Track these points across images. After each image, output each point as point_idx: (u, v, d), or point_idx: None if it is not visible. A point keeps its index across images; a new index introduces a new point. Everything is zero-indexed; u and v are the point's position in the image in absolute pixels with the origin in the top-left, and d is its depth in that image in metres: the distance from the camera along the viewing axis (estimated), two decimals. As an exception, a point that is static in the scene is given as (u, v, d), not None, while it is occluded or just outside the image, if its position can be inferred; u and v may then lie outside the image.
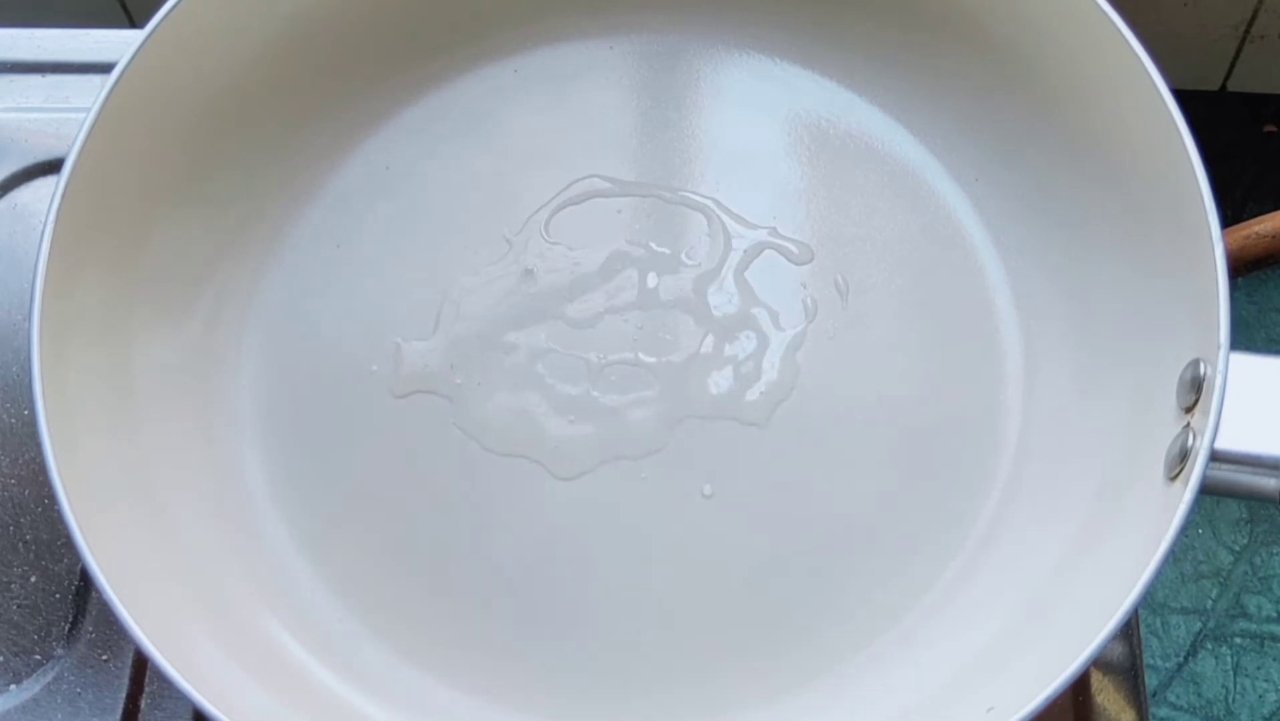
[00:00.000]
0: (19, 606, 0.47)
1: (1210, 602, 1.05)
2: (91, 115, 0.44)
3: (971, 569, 0.45)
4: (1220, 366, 0.40)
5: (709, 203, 0.50)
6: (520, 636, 0.44)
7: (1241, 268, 0.48)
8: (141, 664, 0.47)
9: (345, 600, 0.45)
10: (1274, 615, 1.04)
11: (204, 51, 0.47)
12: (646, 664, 0.44)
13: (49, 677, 0.46)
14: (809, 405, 0.47)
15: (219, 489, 0.46)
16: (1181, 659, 1.03)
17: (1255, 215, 0.49)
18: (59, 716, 0.46)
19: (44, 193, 0.54)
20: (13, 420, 0.50)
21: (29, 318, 0.42)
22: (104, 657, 0.46)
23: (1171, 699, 1.02)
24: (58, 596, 0.47)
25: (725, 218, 0.50)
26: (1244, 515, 1.08)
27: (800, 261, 0.49)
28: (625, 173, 0.51)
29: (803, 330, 0.48)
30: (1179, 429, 0.41)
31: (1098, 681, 0.49)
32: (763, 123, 0.52)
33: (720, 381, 0.48)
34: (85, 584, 0.47)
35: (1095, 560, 0.42)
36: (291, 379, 0.48)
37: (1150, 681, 1.02)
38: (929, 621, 0.44)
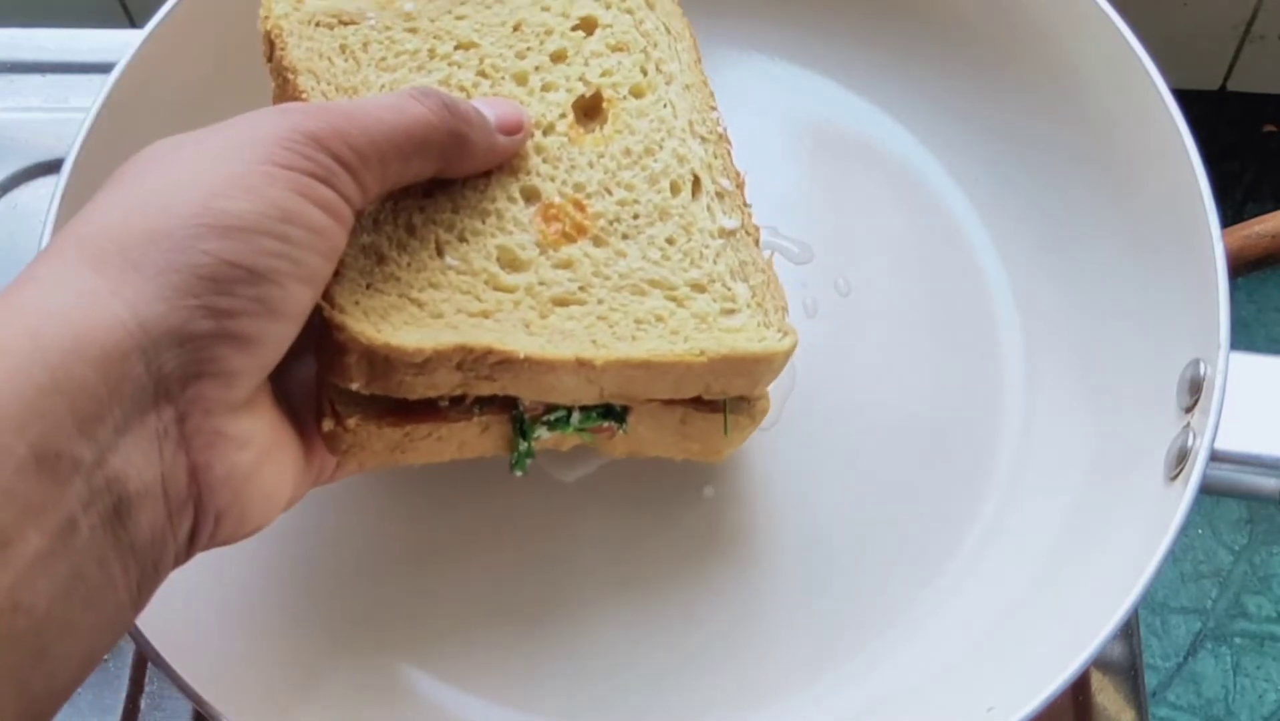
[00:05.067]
0: (19, 606, 0.47)
1: (1210, 602, 1.05)
2: (91, 115, 0.44)
3: (972, 568, 0.45)
4: (1220, 366, 0.40)
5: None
6: (519, 636, 0.44)
7: (1241, 268, 0.48)
8: (141, 664, 0.47)
9: (346, 602, 0.45)
10: (1274, 615, 1.04)
11: (204, 51, 0.47)
12: (646, 663, 0.44)
13: (49, 677, 0.46)
14: (809, 406, 0.47)
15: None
16: (1181, 659, 1.03)
17: (1255, 215, 0.49)
18: (59, 716, 0.45)
19: (44, 193, 0.54)
20: (13, 420, 0.50)
21: (29, 318, 0.42)
22: (104, 657, 0.46)
23: (1171, 699, 1.02)
24: (58, 596, 0.47)
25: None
26: (1244, 515, 1.08)
27: (800, 261, 0.49)
28: (625, 173, 0.51)
29: (803, 330, 0.48)
30: (1179, 429, 0.41)
31: (1098, 681, 0.49)
32: (763, 123, 0.52)
33: (720, 381, 0.48)
34: (85, 584, 0.47)
35: (1095, 560, 0.42)
36: (291, 379, 0.48)
37: (1150, 681, 1.02)
38: (929, 620, 0.44)
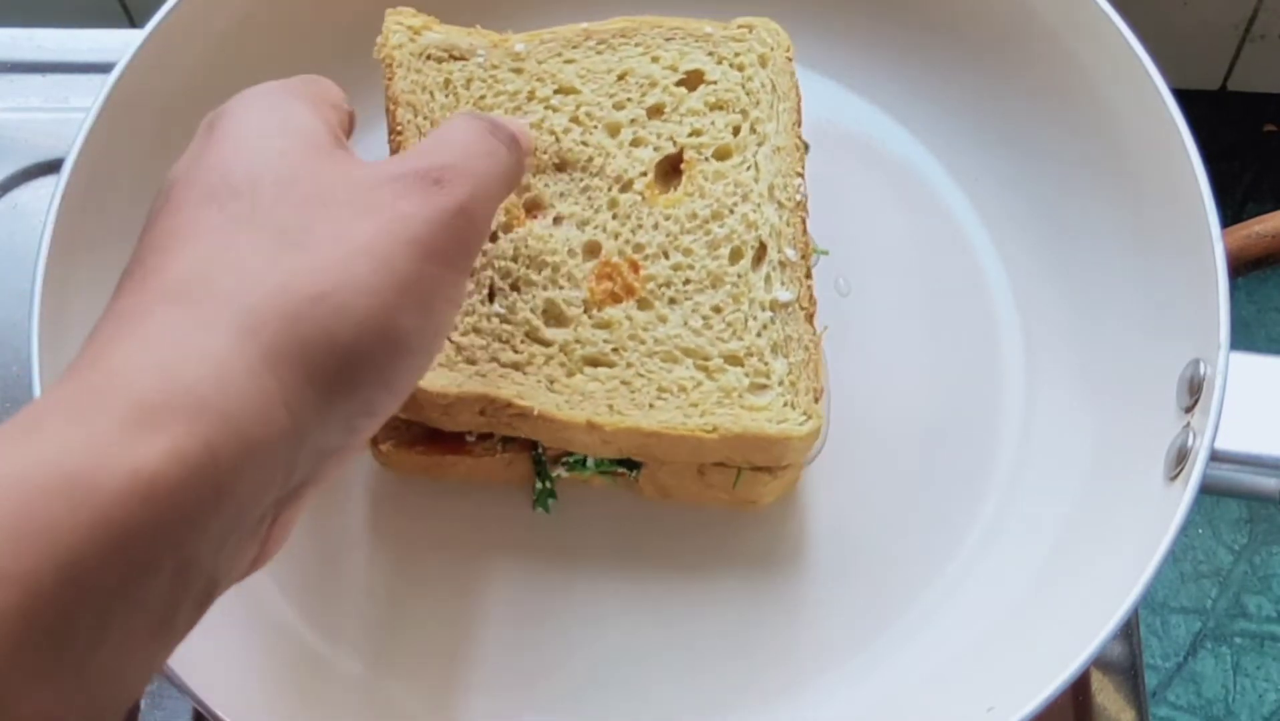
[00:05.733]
0: (19, 606, 0.47)
1: (1210, 602, 1.05)
2: (91, 115, 0.44)
3: (972, 568, 0.45)
4: (1220, 366, 0.40)
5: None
6: (520, 636, 0.44)
7: (1241, 268, 0.48)
8: (141, 664, 0.47)
9: (348, 603, 0.45)
10: (1274, 615, 1.04)
11: (204, 51, 0.47)
12: (648, 664, 0.44)
13: (49, 677, 0.46)
14: (809, 405, 0.47)
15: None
16: (1181, 659, 1.03)
17: (1255, 215, 0.49)
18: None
19: (44, 193, 0.54)
20: (13, 420, 0.50)
21: (29, 317, 0.42)
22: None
23: (1171, 699, 1.02)
24: (58, 596, 0.47)
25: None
26: (1244, 515, 1.08)
27: (800, 261, 0.49)
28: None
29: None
30: (1179, 429, 0.41)
31: (1098, 681, 0.49)
32: (763, 123, 0.52)
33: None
34: (85, 584, 0.47)
35: (1095, 560, 0.42)
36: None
37: (1150, 681, 1.02)
38: (929, 620, 0.44)
